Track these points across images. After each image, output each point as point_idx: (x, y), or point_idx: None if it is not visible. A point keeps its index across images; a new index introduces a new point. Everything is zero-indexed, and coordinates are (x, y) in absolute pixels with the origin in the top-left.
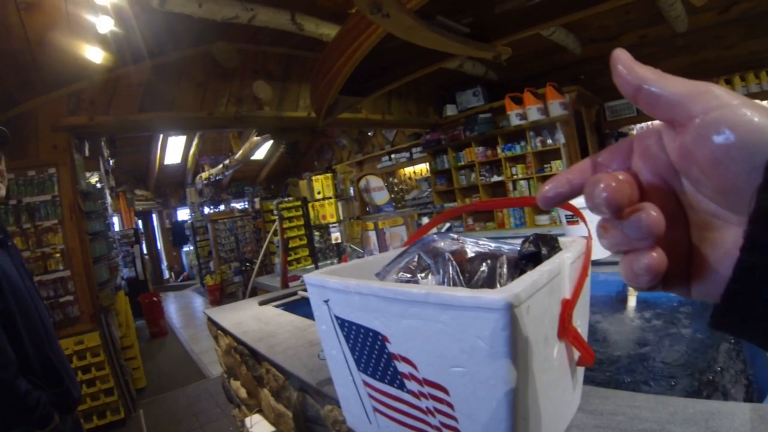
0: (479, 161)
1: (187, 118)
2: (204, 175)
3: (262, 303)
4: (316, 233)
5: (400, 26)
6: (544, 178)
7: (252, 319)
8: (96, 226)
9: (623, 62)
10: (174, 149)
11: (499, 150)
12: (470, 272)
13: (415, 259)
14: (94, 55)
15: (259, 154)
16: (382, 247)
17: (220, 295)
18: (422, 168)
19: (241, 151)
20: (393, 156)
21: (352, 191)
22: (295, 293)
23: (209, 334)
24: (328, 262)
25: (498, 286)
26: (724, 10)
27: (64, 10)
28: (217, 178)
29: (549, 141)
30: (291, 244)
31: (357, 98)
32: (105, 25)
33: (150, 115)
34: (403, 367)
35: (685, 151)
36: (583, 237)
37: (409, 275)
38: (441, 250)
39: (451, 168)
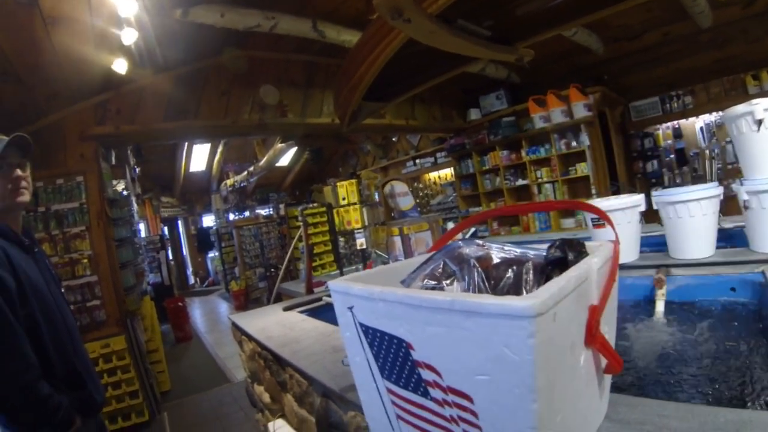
0: (504, 165)
1: (212, 126)
2: (229, 182)
3: (286, 309)
4: (341, 239)
5: (421, 31)
6: (570, 181)
7: (276, 324)
8: (122, 233)
9: None
10: (199, 157)
11: (523, 153)
12: (496, 279)
13: (441, 266)
14: (120, 66)
15: (284, 160)
16: (408, 253)
17: (245, 301)
18: (447, 173)
19: (265, 158)
20: (417, 161)
21: (377, 197)
22: (319, 299)
23: (233, 339)
24: (353, 267)
25: (524, 292)
26: (749, 3)
27: (90, 24)
28: (242, 185)
29: (573, 143)
30: (316, 250)
31: (380, 104)
32: (129, 36)
33: (174, 123)
34: (427, 374)
35: None
36: (610, 241)
37: (434, 282)
38: (466, 257)
39: (476, 172)
